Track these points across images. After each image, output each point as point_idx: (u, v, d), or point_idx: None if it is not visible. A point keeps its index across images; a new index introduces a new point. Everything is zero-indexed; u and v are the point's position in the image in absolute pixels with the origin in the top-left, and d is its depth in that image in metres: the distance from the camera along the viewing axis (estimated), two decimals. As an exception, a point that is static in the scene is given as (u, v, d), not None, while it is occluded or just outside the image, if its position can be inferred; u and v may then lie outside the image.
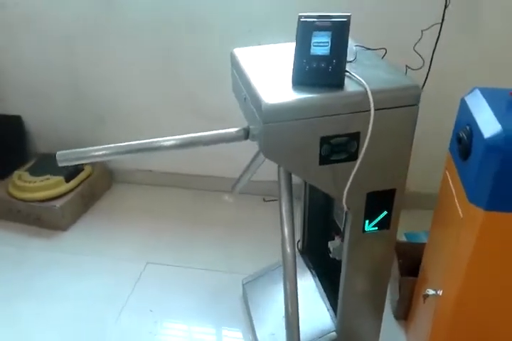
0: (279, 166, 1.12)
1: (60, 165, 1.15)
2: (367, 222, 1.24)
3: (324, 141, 1.03)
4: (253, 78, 1.08)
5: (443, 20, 1.65)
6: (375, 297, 1.44)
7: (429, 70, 1.75)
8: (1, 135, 2.49)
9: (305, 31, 1.00)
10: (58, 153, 1.14)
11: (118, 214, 2.43)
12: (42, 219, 2.31)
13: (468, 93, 1.18)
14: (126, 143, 1.15)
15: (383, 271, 1.38)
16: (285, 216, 1.19)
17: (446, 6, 1.65)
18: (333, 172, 1.09)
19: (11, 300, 1.95)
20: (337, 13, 1.01)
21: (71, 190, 2.32)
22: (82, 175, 2.39)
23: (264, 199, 2.43)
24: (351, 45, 1.23)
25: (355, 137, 1.04)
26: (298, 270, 1.85)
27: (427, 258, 1.55)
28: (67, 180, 2.31)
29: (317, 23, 0.99)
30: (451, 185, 1.26)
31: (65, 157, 1.15)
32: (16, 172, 2.34)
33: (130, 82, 2.31)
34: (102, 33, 2.19)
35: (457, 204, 1.19)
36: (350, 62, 1.12)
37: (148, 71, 2.24)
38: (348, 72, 1.05)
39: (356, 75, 1.03)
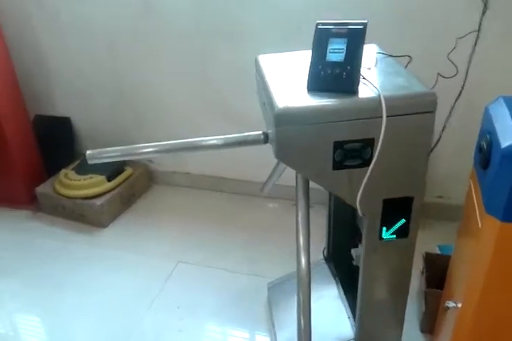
0: (296, 172, 1.14)
1: (90, 162, 1.23)
2: (384, 229, 1.23)
3: (337, 146, 1.05)
4: (271, 83, 1.11)
5: (480, 27, 1.62)
6: (395, 306, 1.42)
7: (465, 79, 1.71)
8: (51, 135, 2.65)
9: (322, 38, 1.02)
10: (88, 152, 1.21)
11: (155, 214, 2.53)
12: (84, 216, 2.43)
13: (493, 102, 1.16)
14: (150, 144, 1.21)
15: (402, 280, 1.36)
16: (301, 223, 1.21)
17: (483, 13, 1.61)
18: (347, 178, 1.10)
19: (53, 290, 2.08)
20: (354, 20, 1.03)
21: (112, 189, 2.43)
22: (123, 176, 2.50)
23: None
24: (373, 52, 1.25)
25: (370, 143, 1.05)
26: (322, 277, 1.87)
27: (451, 270, 1.51)
28: (109, 180, 2.43)
29: (333, 30, 1.02)
30: (474, 195, 1.24)
31: (93, 155, 1.22)
32: (63, 171, 2.48)
33: (168, 85, 2.40)
34: (142, 37, 2.30)
35: (477, 215, 1.17)
36: (369, 69, 1.13)
37: (186, 74, 2.32)
38: (364, 78, 1.06)
39: (371, 82, 1.04)
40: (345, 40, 1.01)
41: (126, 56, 2.39)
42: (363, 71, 1.11)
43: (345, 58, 1.01)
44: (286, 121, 1.00)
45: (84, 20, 2.35)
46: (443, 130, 1.94)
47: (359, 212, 1.16)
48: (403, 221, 1.22)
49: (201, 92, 2.35)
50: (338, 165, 1.08)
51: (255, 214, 2.47)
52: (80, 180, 2.40)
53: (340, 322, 1.65)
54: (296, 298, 1.84)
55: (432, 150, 2.08)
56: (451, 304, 1.36)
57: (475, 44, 1.63)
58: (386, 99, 0.99)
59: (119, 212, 2.50)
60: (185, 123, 2.46)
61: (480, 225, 1.14)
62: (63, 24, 2.40)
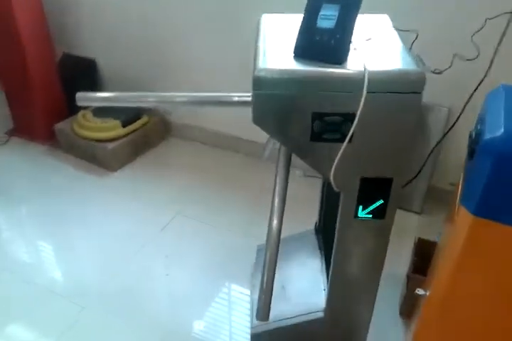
0: (273, 138, 1.12)
1: (79, 104, 1.23)
2: (360, 207, 1.20)
3: (316, 117, 1.01)
4: (262, 45, 1.07)
5: (516, 8, 1.50)
6: (366, 285, 1.41)
7: (490, 65, 1.60)
8: (76, 75, 2.68)
9: (315, 2, 0.97)
10: (78, 93, 1.22)
11: (164, 165, 2.57)
12: (96, 158, 2.50)
13: (494, 90, 1.09)
14: (142, 93, 1.20)
15: (375, 260, 1.34)
16: (278, 189, 1.20)
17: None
18: (325, 151, 1.07)
19: (57, 218, 2.23)
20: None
21: (125, 136, 2.47)
22: (138, 123, 2.53)
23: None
24: (380, 23, 1.18)
25: (350, 118, 1.00)
26: (308, 248, 1.87)
27: (433, 259, 1.49)
28: (124, 126, 2.46)
29: (328, -6, 0.96)
30: (460, 185, 1.19)
31: (84, 97, 1.23)
32: (82, 111, 2.53)
33: (195, 39, 2.37)
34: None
35: (456, 206, 1.13)
36: (368, 40, 1.08)
37: (214, 30, 2.28)
38: (355, 49, 1.00)
39: (362, 54, 0.99)
40: (338, 6, 0.95)
41: (157, 5, 2.35)
42: (357, 42, 1.05)
43: (335, 25, 0.95)
44: (264, 84, 0.97)
45: None
46: (460, 115, 1.85)
47: (334, 187, 1.13)
48: (381, 201, 1.19)
49: (228, 49, 2.31)
50: (316, 137, 1.05)
51: (263, 178, 2.46)
52: (96, 123, 2.45)
53: (315, 293, 1.65)
54: (279, 262, 1.87)
55: (445, 135, 2.01)
56: (421, 291, 1.35)
57: (506, 27, 1.51)
58: (370, 73, 0.94)
59: (129, 159, 2.55)
60: (209, 78, 2.43)
61: (456, 216, 1.10)
62: None
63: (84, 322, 1.73)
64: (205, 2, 2.25)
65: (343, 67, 0.97)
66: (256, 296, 1.72)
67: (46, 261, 2.05)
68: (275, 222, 1.23)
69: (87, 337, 1.69)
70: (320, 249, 1.82)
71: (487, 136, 0.93)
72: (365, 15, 1.22)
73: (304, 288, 1.71)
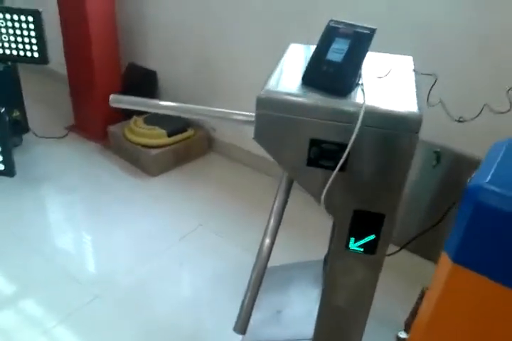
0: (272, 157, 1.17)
1: (112, 105, 1.35)
2: (352, 239, 1.22)
3: (314, 143, 1.06)
4: (276, 71, 1.14)
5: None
6: (354, 318, 1.41)
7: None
8: (138, 84, 2.88)
9: (328, 35, 1.03)
10: (112, 95, 1.34)
11: (199, 178, 2.67)
12: (140, 161, 2.65)
13: (500, 141, 1.09)
14: (164, 102, 1.31)
15: (364, 294, 1.34)
16: (274, 212, 1.25)
17: None
18: (320, 177, 1.11)
19: (97, 209, 2.43)
20: (367, 25, 1.02)
21: (169, 145, 2.61)
22: (183, 135, 2.66)
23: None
24: (401, 64, 1.21)
25: (346, 148, 1.04)
26: (312, 277, 1.88)
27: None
28: (169, 135, 2.60)
29: (341, 29, 1.02)
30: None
31: (117, 99, 1.35)
32: (135, 117, 2.71)
33: (247, 59, 2.48)
34: (235, 13, 2.41)
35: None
36: (380, 77, 1.12)
37: (266, 52, 2.38)
38: (361, 84, 1.05)
39: (366, 89, 1.03)
40: (349, 41, 1.00)
41: (215, 25, 2.52)
42: (368, 78, 1.10)
43: (343, 59, 1.00)
44: (265, 105, 1.03)
45: None
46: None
47: (327, 214, 1.16)
48: (372, 236, 1.20)
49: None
50: (312, 163, 1.09)
51: (291, 206, 2.50)
52: (144, 129, 2.61)
53: (308, 321, 1.64)
54: (281, 287, 1.89)
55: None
56: (403, 334, 1.33)
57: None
58: (368, 107, 0.98)
59: (169, 167, 2.68)
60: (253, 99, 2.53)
61: (439, 262, 1.09)
62: None
63: (93, 310, 1.83)
64: (261, 32, 2.37)
65: (344, 99, 1.02)
66: (252, 317, 1.76)
67: (74, 248, 2.20)
68: (267, 241, 1.27)
69: (90, 324, 1.78)
70: (324, 279, 1.82)
71: (471, 183, 0.93)
72: (388, 54, 1.27)
73: (299, 314, 1.71)
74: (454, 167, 2.06)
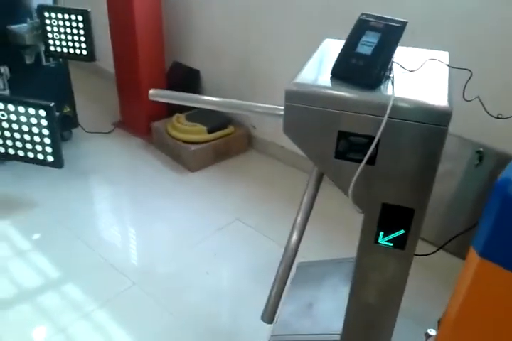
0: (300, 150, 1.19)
1: (151, 99, 1.41)
2: (381, 233, 1.22)
3: (342, 136, 1.07)
4: (307, 64, 1.16)
5: None
6: (383, 314, 1.40)
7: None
8: (182, 82, 2.96)
9: (359, 28, 1.04)
10: (152, 90, 1.40)
11: (238, 174, 2.72)
12: (180, 157, 2.72)
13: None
14: (208, 98, 1.37)
15: (393, 290, 1.33)
16: (304, 205, 1.27)
17: None
18: (348, 170, 1.11)
19: (138, 200, 2.55)
20: (398, 18, 1.02)
21: (209, 141, 2.67)
22: (223, 132, 2.72)
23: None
24: (435, 58, 1.20)
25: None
26: (346, 274, 1.87)
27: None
28: (209, 132, 2.66)
29: (372, 22, 1.02)
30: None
31: (156, 94, 1.41)
32: (177, 114, 2.78)
33: (285, 63, 2.50)
34: (275, 11, 2.44)
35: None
36: (411, 71, 1.11)
37: (306, 57, 2.40)
38: (392, 77, 1.05)
39: (396, 82, 1.03)
40: (379, 34, 1.01)
41: (255, 27, 2.57)
42: (399, 71, 1.10)
43: (372, 52, 1.01)
44: (294, 97, 1.06)
45: None
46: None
47: (355, 207, 1.17)
48: (402, 231, 1.20)
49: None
50: (340, 155, 1.10)
51: (327, 203, 2.50)
52: (186, 125, 2.68)
53: (338, 317, 1.65)
54: (312, 284, 1.90)
55: None
56: (432, 331, 1.31)
57: None
58: (396, 100, 0.98)
59: (209, 163, 2.74)
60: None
61: (467, 257, 1.08)
62: None
63: (130, 297, 1.91)
64: (300, 31, 2.40)
65: (373, 92, 1.02)
66: (283, 310, 1.78)
67: (114, 236, 2.29)
68: (294, 237, 1.30)
69: (127, 310, 1.86)
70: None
71: (501, 177, 0.92)
72: (424, 49, 1.26)
73: (330, 309, 1.71)
74: (496, 166, 2.00)
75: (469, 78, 1.19)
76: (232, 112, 1.39)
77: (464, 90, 1.20)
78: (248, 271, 2.06)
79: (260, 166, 2.80)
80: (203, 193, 2.56)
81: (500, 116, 1.31)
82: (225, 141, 2.74)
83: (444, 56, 1.24)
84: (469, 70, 1.17)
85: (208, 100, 1.36)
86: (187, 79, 2.98)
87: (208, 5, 2.76)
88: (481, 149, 2.00)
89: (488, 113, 1.26)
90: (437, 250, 1.84)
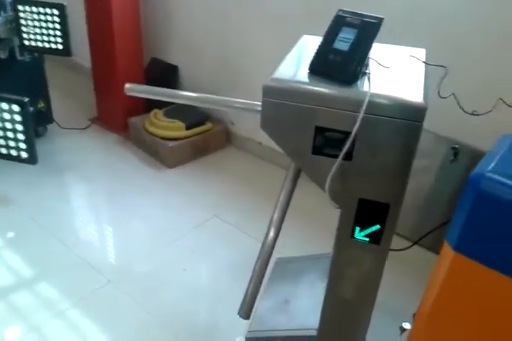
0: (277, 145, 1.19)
1: (127, 93, 1.39)
2: (357, 229, 1.23)
3: (319, 131, 1.07)
4: (284, 60, 1.16)
5: None
6: (359, 309, 1.41)
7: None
8: (160, 78, 2.94)
9: (336, 24, 1.04)
10: (127, 84, 1.38)
11: (216, 171, 2.71)
12: (158, 153, 2.70)
13: (508, 134, 1.09)
14: (176, 91, 1.35)
15: (369, 284, 1.34)
16: (280, 201, 1.27)
17: None
18: (325, 165, 1.12)
19: (115, 198, 2.50)
20: (375, 14, 1.03)
21: (187, 137, 2.65)
22: (201, 128, 2.70)
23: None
24: (411, 55, 1.21)
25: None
26: (323, 270, 1.88)
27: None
28: (188, 128, 2.65)
29: (348, 19, 1.03)
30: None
31: (132, 88, 1.39)
32: (155, 110, 2.76)
33: (264, 57, 2.50)
34: (254, 7, 2.44)
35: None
36: (387, 67, 1.12)
37: (285, 52, 2.41)
38: (368, 73, 1.06)
39: (372, 78, 1.04)
40: (355, 30, 1.02)
41: (235, 23, 2.57)
42: (375, 67, 1.11)
43: (349, 48, 1.02)
44: (272, 93, 1.05)
45: None
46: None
47: (330, 202, 1.18)
48: (377, 226, 1.21)
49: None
50: (317, 151, 1.10)
51: (305, 199, 2.51)
52: (163, 122, 2.66)
53: (315, 312, 1.66)
54: (289, 280, 1.91)
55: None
56: (407, 325, 1.33)
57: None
58: (372, 95, 0.99)
59: (187, 159, 2.72)
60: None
61: (441, 251, 1.09)
62: None
63: (105, 295, 1.88)
64: (278, 27, 2.40)
65: (350, 87, 1.03)
66: (260, 306, 1.78)
67: (90, 234, 2.26)
68: (271, 234, 1.30)
69: (102, 308, 1.83)
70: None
71: (474, 172, 0.93)
72: (401, 46, 1.28)
73: (306, 305, 1.72)
74: (471, 162, 2.03)
75: (444, 75, 1.20)
76: (210, 108, 1.38)
77: (439, 87, 1.21)
78: (226, 267, 2.06)
79: (238, 162, 2.80)
80: (181, 190, 2.54)
81: (475, 113, 1.34)
82: (203, 138, 2.73)
83: (420, 53, 1.25)
84: (444, 67, 1.18)
85: (185, 95, 1.35)
86: (165, 74, 2.96)
87: (186, 0, 2.73)
88: (456, 145, 2.03)
89: (463, 110, 1.29)
90: (412, 245, 1.87)
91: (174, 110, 2.74)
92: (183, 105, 2.90)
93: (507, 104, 1.33)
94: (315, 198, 2.44)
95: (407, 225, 2.19)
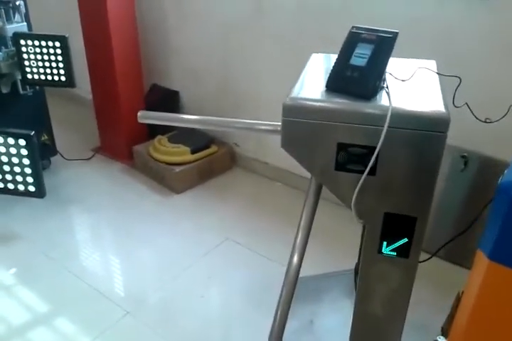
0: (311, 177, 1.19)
1: (140, 121, 1.39)
2: (384, 243, 1.21)
3: (341, 147, 1.07)
4: (300, 79, 1.17)
5: None
6: (389, 325, 1.39)
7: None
8: (161, 104, 2.95)
9: (351, 41, 1.05)
10: (140, 111, 1.38)
11: (224, 193, 2.69)
12: (164, 179, 2.69)
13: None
14: (189, 116, 1.35)
15: (399, 300, 1.32)
16: (302, 227, 1.26)
17: None
18: (349, 181, 1.12)
19: (121, 227, 2.46)
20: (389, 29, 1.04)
21: (193, 162, 2.65)
22: (206, 151, 2.70)
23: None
24: (424, 67, 1.22)
25: (374, 151, 1.05)
26: (344, 287, 1.86)
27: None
28: (193, 152, 2.64)
29: (364, 35, 1.04)
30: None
31: (145, 115, 1.39)
32: (159, 136, 2.76)
33: (265, 80, 2.53)
34: (253, 30, 2.47)
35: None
36: (403, 80, 1.13)
37: (282, 74, 2.43)
38: (386, 87, 1.06)
39: (390, 92, 1.04)
40: (372, 46, 1.03)
41: (236, 47, 2.60)
42: (392, 81, 1.11)
43: (367, 64, 1.02)
44: (292, 112, 1.06)
45: (207, 12, 2.63)
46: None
47: (355, 218, 1.16)
48: (405, 240, 1.19)
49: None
50: (340, 167, 1.10)
51: (321, 218, 2.49)
52: (168, 147, 2.65)
53: (341, 331, 1.64)
54: (313, 297, 1.88)
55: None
56: (441, 339, 1.30)
57: None
58: (394, 109, 0.99)
59: (194, 183, 2.71)
60: (276, 114, 2.58)
61: (475, 261, 1.08)
62: (189, 12, 2.71)
63: (125, 326, 1.84)
64: (279, 48, 2.44)
65: (370, 102, 1.03)
66: (288, 326, 1.75)
67: (103, 266, 2.22)
68: (295, 258, 1.29)
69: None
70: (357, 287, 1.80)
71: (503, 179, 0.93)
72: (412, 59, 1.29)
73: (331, 324, 1.69)
74: (481, 170, 2.04)
75: (458, 85, 1.22)
76: (213, 131, 1.37)
77: (453, 97, 1.22)
78: (244, 291, 2.02)
79: (245, 183, 2.79)
80: (190, 214, 2.52)
81: (488, 121, 1.34)
82: (209, 161, 2.72)
83: (432, 65, 1.26)
84: (459, 77, 1.19)
85: (198, 119, 1.35)
86: (166, 100, 2.97)
87: (184, 27, 2.77)
88: (466, 154, 2.04)
89: (476, 118, 1.29)
90: (432, 256, 1.85)
91: (178, 135, 2.75)
92: (187, 130, 2.93)
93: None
94: (331, 215, 2.45)
95: (423, 236, 2.17)
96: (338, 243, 2.26)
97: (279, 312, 1.28)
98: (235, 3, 2.49)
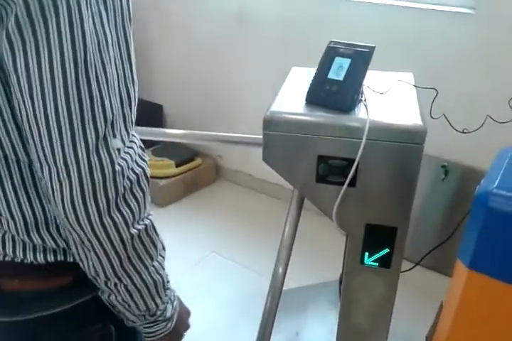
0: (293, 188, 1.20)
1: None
2: (366, 254, 1.23)
3: (321, 160, 1.08)
4: (280, 92, 1.19)
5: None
6: (374, 334, 1.40)
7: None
8: (144, 118, 2.93)
9: (328, 55, 1.07)
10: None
11: (209, 206, 2.69)
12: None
13: (506, 147, 1.12)
14: (173, 130, 1.36)
15: (383, 309, 1.33)
16: (285, 240, 1.27)
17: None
18: (330, 193, 1.13)
19: None
20: (365, 43, 1.07)
21: (177, 175, 2.65)
22: (191, 164, 2.71)
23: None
24: (401, 80, 1.25)
25: (353, 163, 1.07)
26: (329, 298, 1.87)
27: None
28: (177, 165, 2.64)
29: (341, 49, 1.06)
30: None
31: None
32: (143, 150, 2.75)
33: (250, 90, 2.55)
34: (235, 43, 2.50)
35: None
36: (381, 93, 1.15)
37: (268, 83, 2.45)
38: (364, 100, 1.08)
39: (368, 104, 1.06)
40: (349, 60, 1.05)
41: (218, 60, 2.62)
42: (370, 94, 1.14)
43: (344, 78, 1.04)
44: (272, 126, 1.07)
45: (189, 24, 2.65)
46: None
47: (339, 229, 1.18)
48: (386, 250, 1.21)
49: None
50: (321, 179, 1.11)
51: (305, 229, 2.50)
52: (152, 161, 2.65)
53: (327, 343, 1.64)
54: (293, 311, 1.88)
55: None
56: (426, 347, 1.31)
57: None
58: (372, 122, 1.01)
59: (179, 197, 2.70)
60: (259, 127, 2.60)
61: (454, 270, 1.10)
62: (171, 24, 2.73)
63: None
64: (261, 61, 2.46)
65: (348, 115, 1.05)
66: (274, 338, 1.74)
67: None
68: (280, 270, 1.28)
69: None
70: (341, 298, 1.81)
71: (480, 190, 0.95)
72: (389, 72, 1.32)
73: (317, 336, 1.70)
74: (461, 180, 2.07)
75: (435, 96, 1.24)
76: (197, 144, 1.38)
77: (430, 108, 1.25)
78: (232, 304, 2.02)
79: (230, 195, 2.79)
80: (175, 228, 2.51)
81: (465, 131, 1.38)
82: (194, 173, 2.73)
83: (409, 77, 1.29)
84: (435, 89, 1.22)
85: (181, 133, 1.36)
86: (149, 114, 2.97)
87: (166, 40, 2.79)
88: (446, 164, 2.08)
89: (454, 128, 1.32)
90: (415, 266, 1.87)
91: (162, 149, 2.75)
92: (170, 143, 2.92)
93: (493, 120, 1.38)
94: (315, 225, 2.45)
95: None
96: (323, 254, 2.26)
97: (264, 325, 1.28)
98: (217, 17, 2.52)
